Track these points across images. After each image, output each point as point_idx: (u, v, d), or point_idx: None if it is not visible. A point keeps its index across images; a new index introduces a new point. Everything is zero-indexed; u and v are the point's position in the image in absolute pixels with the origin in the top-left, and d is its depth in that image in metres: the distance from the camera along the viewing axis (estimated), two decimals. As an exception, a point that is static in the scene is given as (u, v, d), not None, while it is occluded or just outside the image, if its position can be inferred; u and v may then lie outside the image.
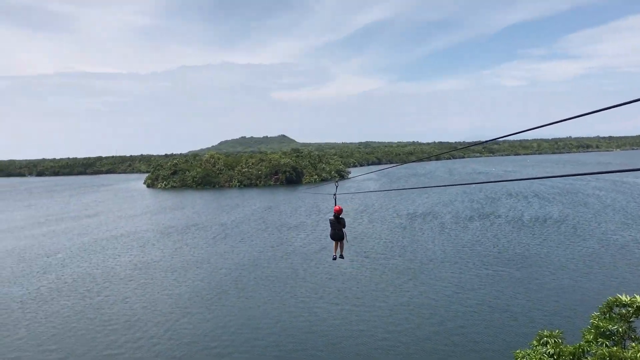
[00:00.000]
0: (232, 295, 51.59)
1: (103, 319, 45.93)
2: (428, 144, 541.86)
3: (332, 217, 20.79)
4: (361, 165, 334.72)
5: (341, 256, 21.49)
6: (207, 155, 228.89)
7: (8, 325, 45.08)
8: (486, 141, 13.79)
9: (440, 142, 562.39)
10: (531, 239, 73.03)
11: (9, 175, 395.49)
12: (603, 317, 21.84)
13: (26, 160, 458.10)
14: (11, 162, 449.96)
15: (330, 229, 21.09)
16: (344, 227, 20.94)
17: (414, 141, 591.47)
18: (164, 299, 51.41)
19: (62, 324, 45.05)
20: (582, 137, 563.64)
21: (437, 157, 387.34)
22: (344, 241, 21.16)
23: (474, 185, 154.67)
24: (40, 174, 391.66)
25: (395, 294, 49.92)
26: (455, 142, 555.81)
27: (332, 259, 22.68)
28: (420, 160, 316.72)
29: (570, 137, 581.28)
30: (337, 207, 20.51)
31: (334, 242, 21.48)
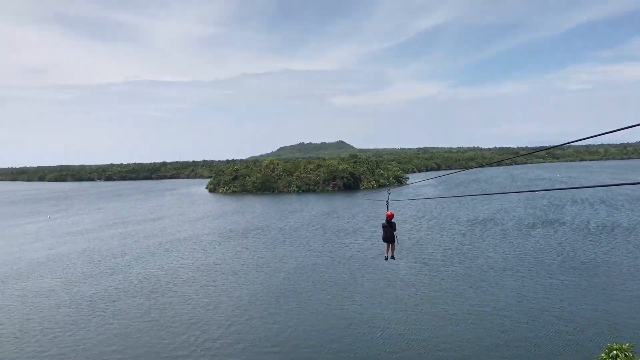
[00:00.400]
0: (290, 300, 52.15)
1: (167, 319, 47.43)
2: (489, 149, 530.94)
3: (384, 222, 23.16)
4: (420, 171, 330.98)
5: (392, 257, 23.85)
6: (266, 161, 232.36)
7: (78, 323, 47.28)
8: (560, 145, 13.52)
9: (502, 148, 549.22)
10: (598, 248, 70.21)
11: (79, 179, 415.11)
12: None
13: (95, 165, 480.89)
14: (82, 167, 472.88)
15: (382, 232, 23.62)
16: (395, 230, 23.30)
17: (474, 147, 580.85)
18: (224, 301, 52.57)
19: (128, 323, 46.83)
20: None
21: (499, 163, 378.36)
22: (395, 243, 23.62)
23: (537, 192, 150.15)
24: (108, 178, 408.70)
25: (455, 301, 49.11)
26: (518, 147, 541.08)
27: (384, 259, 24.92)
28: (481, 166, 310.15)
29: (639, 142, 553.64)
30: (389, 213, 22.83)
31: (385, 244, 23.88)
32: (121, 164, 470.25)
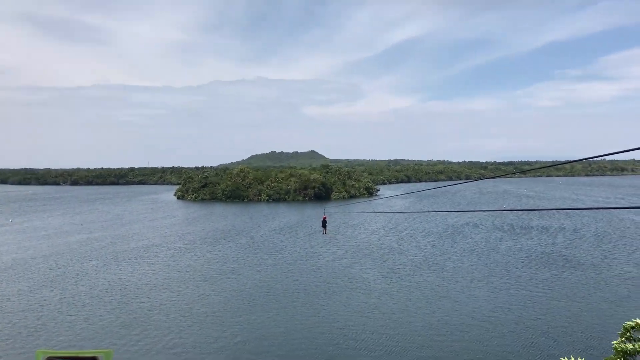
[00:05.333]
0: (265, 307, 51.77)
1: (138, 324, 46.58)
2: (458, 163, 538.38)
3: (322, 220, 58.89)
4: (390, 183, 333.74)
5: (325, 233, 64.62)
6: (237, 169, 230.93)
7: (48, 326, 46.09)
8: (563, 162, 13.80)
9: (471, 162, 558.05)
10: (566, 261, 71.75)
11: (44, 183, 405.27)
12: (624, 342, 21.26)
13: (62, 169, 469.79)
14: (47, 171, 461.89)
15: (321, 222, 59.46)
16: (326, 222, 59.31)
17: (444, 160, 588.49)
18: (197, 307, 51.91)
19: (99, 328, 45.85)
20: (617, 160, 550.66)
21: (467, 177, 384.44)
22: (327, 228, 61.29)
23: (504, 206, 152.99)
24: (74, 183, 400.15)
25: (430, 311, 49.49)
26: (486, 161, 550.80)
27: (322, 234, 77.20)
28: (452, 182, 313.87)
29: (604, 159, 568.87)
30: (324, 216, 59.30)
31: (323, 228, 60.64)
32: (88, 168, 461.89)
